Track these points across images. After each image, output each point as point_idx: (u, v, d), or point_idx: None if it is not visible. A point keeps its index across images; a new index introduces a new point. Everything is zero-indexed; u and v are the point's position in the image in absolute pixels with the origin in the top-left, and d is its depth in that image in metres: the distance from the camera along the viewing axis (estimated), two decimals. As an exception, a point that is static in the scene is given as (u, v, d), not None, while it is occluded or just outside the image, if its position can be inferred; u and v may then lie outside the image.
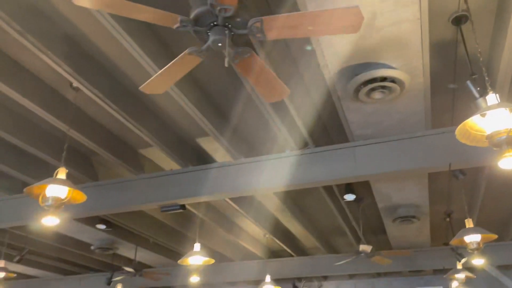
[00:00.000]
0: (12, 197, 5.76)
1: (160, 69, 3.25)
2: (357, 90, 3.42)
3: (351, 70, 3.32)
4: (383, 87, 3.35)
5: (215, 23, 2.12)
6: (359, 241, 7.70)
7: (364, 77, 3.27)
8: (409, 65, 3.23)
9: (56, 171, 3.59)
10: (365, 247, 6.84)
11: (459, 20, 3.16)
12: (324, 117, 4.63)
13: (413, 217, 6.75)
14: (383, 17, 2.83)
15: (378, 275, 10.15)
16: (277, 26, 2.09)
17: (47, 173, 5.45)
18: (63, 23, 3.33)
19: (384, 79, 3.28)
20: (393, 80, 3.30)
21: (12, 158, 5.02)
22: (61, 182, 3.45)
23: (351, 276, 10.36)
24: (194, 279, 6.72)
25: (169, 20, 2.07)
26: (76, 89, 3.84)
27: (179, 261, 5.88)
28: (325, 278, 10.55)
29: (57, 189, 3.44)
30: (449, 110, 4.34)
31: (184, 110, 4.15)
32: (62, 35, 3.39)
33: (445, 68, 3.74)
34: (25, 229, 7.14)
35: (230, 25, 2.13)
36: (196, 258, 5.77)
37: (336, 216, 7.11)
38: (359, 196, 6.63)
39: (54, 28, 3.33)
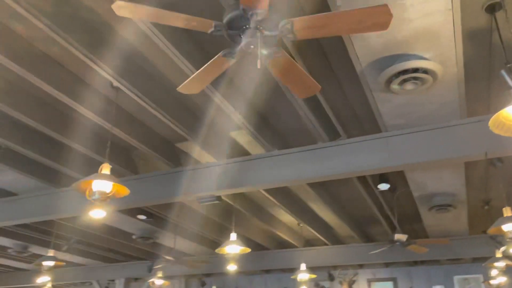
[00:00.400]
0: (60, 190, 6.12)
1: (196, 68, 3.39)
2: (389, 82, 3.44)
3: (383, 61, 3.34)
4: (415, 78, 3.35)
5: (247, 26, 2.22)
6: (394, 230, 7.68)
7: (395, 69, 3.28)
8: (442, 56, 3.22)
9: (100, 167, 3.82)
10: (400, 236, 6.83)
11: (492, 8, 3.11)
12: (356, 108, 4.65)
13: (450, 205, 6.67)
14: (413, 9, 2.84)
15: (415, 263, 10.07)
16: (306, 27, 2.17)
17: (91, 167, 5.74)
18: (106, 29, 3.51)
19: (416, 70, 3.28)
20: (425, 71, 3.30)
21: (60, 154, 5.33)
22: (106, 177, 3.66)
23: (387, 265, 10.32)
24: (231, 267, 6.92)
25: (204, 25, 2.19)
26: (117, 89, 4.05)
27: (216, 250, 6.09)
28: (361, 266, 10.56)
29: (102, 184, 3.66)
30: (485, 98, 4.27)
31: (217, 105, 4.28)
32: (105, 40, 3.58)
33: (479, 56, 3.69)
34: (71, 220, 7.57)
35: (261, 28, 2.22)
36: (232, 247, 5.96)
37: (370, 205, 7.11)
38: (393, 185, 6.61)
39: (98, 34, 3.52)
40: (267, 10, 2.10)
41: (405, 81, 3.41)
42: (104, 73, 3.69)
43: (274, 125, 5.15)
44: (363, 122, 4.87)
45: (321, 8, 2.96)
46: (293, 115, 4.67)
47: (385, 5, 2.05)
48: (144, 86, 4.09)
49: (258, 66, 2.15)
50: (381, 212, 7.59)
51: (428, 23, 2.95)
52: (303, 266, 8.20)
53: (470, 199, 6.85)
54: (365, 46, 3.17)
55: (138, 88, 4.00)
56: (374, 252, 8.18)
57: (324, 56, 3.77)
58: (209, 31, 2.24)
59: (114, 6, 2.04)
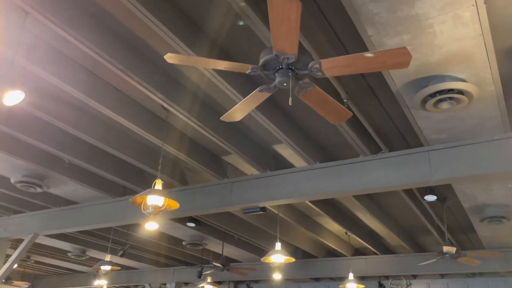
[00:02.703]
0: (116, 200, 6.59)
1: (239, 93, 3.65)
2: (424, 101, 3.48)
3: (417, 83, 3.39)
4: (451, 98, 3.37)
5: (280, 67, 2.42)
6: (445, 240, 7.49)
7: (430, 90, 3.33)
8: (477, 76, 3.23)
9: (154, 182, 4.15)
10: (449, 249, 6.67)
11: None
12: (396, 122, 4.68)
13: (503, 217, 6.44)
14: (443, 36, 2.90)
15: (473, 274, 9.71)
16: (334, 66, 2.33)
17: (144, 179, 6.16)
18: (156, 57, 3.84)
19: (451, 90, 3.31)
20: (460, 92, 3.32)
21: (116, 168, 5.78)
22: (158, 192, 3.98)
23: (443, 275, 10.03)
24: (277, 276, 7.08)
25: (242, 68, 2.43)
26: (167, 110, 4.37)
27: (262, 259, 6.28)
28: (415, 276, 10.33)
29: (155, 199, 3.98)
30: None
31: (259, 122, 4.48)
32: (155, 67, 3.91)
33: (519, 73, 3.63)
34: (126, 227, 8.07)
35: (293, 68, 2.42)
36: (277, 256, 6.13)
37: (419, 215, 7.02)
38: (442, 196, 6.49)
39: (148, 62, 3.86)
40: (297, 54, 2.29)
41: (440, 101, 3.44)
42: (155, 97, 4.01)
43: (315, 139, 5.27)
44: (405, 136, 4.88)
45: (355, 38, 3.08)
46: (333, 130, 4.77)
47: (404, 48, 2.17)
48: (191, 107, 4.39)
49: (290, 103, 2.35)
50: (430, 222, 7.45)
51: (460, 48, 2.99)
52: (351, 276, 8.19)
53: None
54: (398, 70, 3.24)
55: (186, 109, 4.30)
56: (422, 264, 8.01)
57: (362, 76, 3.86)
58: (247, 72, 2.48)
59: (166, 57, 2.33)
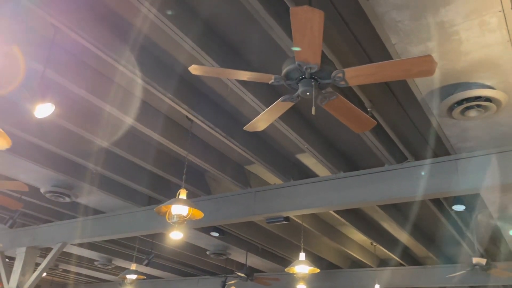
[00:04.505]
0: (141, 210, 6.68)
1: (263, 103, 3.67)
2: (451, 109, 3.42)
3: (443, 90, 3.33)
4: (478, 105, 3.30)
5: (303, 76, 2.43)
6: (475, 251, 7.27)
7: (457, 97, 3.27)
8: (505, 82, 3.16)
9: (178, 192, 4.20)
10: (479, 260, 6.49)
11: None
12: (422, 131, 4.60)
13: (535, 227, 6.22)
14: (469, 43, 2.85)
15: (504, 287, 9.36)
16: (357, 75, 2.32)
17: (169, 189, 6.23)
18: (179, 68, 3.91)
19: (478, 98, 3.24)
20: (487, 99, 3.25)
21: (142, 178, 5.88)
22: (183, 202, 4.03)
23: (473, 288, 9.71)
24: (301, 287, 7.01)
25: (265, 78, 2.45)
26: (191, 120, 4.43)
27: (286, 269, 6.24)
28: (443, 289, 10.05)
29: (180, 209, 4.02)
30: None
31: (281, 131, 4.49)
32: (179, 78, 3.99)
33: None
34: (151, 236, 8.16)
35: (316, 77, 2.43)
36: (301, 267, 6.08)
37: (447, 225, 6.84)
38: (471, 206, 6.32)
39: (172, 73, 3.93)
40: (320, 64, 2.29)
41: (467, 108, 3.37)
42: (179, 107, 4.08)
43: (339, 148, 5.23)
44: (430, 144, 4.79)
45: (378, 46, 3.06)
46: (357, 139, 4.73)
47: (429, 56, 2.15)
48: (215, 117, 4.43)
49: (313, 113, 2.35)
50: (459, 233, 7.25)
51: (487, 54, 2.94)
52: (377, 287, 8.04)
53: (559, 222, 6.32)
54: (424, 77, 3.19)
55: (210, 119, 4.35)
56: (451, 275, 7.79)
57: (386, 84, 3.83)
58: (270, 82, 2.50)
59: (190, 68, 2.37)
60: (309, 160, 5.57)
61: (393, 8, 2.70)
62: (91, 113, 4.60)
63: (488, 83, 3.23)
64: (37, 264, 7.68)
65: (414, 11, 2.70)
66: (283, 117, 4.24)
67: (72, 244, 8.38)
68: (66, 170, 5.63)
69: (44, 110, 3.35)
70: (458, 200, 5.93)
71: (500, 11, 2.62)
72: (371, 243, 8.34)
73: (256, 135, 5.07)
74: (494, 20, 2.71)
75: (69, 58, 3.73)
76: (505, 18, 2.68)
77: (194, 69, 2.36)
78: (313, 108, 2.38)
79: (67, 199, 6.47)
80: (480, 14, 2.67)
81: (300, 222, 6.79)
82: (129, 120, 4.30)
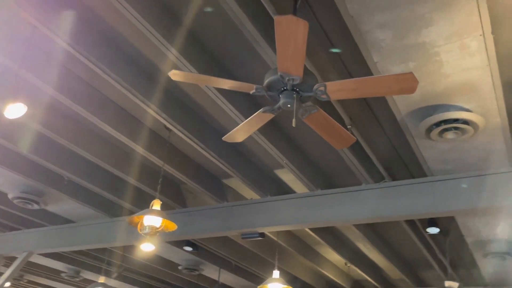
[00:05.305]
0: (113, 220, 6.48)
1: (242, 115, 3.62)
2: (429, 130, 3.45)
3: (423, 111, 3.36)
4: (456, 128, 3.34)
5: (284, 88, 2.40)
6: (447, 275, 7.30)
7: (435, 119, 3.30)
8: (483, 107, 3.20)
9: (152, 202, 4.08)
10: (451, 284, 6.50)
11: (536, 59, 3.08)
12: (400, 152, 4.62)
13: (506, 253, 6.31)
14: (450, 65, 2.89)
15: (475, 311, 9.42)
16: (339, 89, 2.31)
17: (143, 200, 6.07)
18: (161, 78, 3.84)
19: (456, 120, 3.28)
20: (465, 122, 3.28)
21: (116, 187, 5.72)
22: (156, 213, 3.91)
23: (446, 311, 9.72)
24: (273, 305, 6.86)
25: (247, 88, 2.42)
26: (169, 130, 4.35)
27: (258, 287, 6.11)
28: (416, 312, 10.03)
29: (153, 219, 3.90)
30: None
31: (261, 145, 4.44)
32: (159, 86, 3.91)
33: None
34: (122, 248, 7.92)
35: (298, 89, 2.40)
36: (275, 285, 5.96)
37: (421, 248, 6.86)
38: (445, 229, 6.37)
39: (153, 82, 3.86)
40: (302, 76, 2.27)
41: (445, 130, 3.40)
42: (159, 116, 3.99)
43: (317, 164, 5.21)
44: (408, 165, 4.81)
45: (360, 63, 3.07)
46: (336, 156, 4.72)
47: (411, 73, 2.16)
48: (194, 127, 4.36)
49: (293, 125, 2.32)
50: (432, 255, 7.28)
51: (466, 78, 2.98)
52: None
53: (530, 248, 6.43)
54: (404, 97, 3.22)
55: (189, 130, 4.28)
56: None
57: (366, 102, 3.84)
58: (251, 92, 2.46)
59: (170, 74, 2.31)
60: (287, 176, 5.53)
61: (377, 26, 2.71)
62: (65, 117, 4.46)
63: (467, 106, 3.27)
64: (0, 274, 7.34)
65: (397, 30, 2.73)
66: (263, 131, 4.20)
67: (39, 254, 8.06)
68: (36, 175, 5.42)
69: (15, 110, 3.22)
70: (432, 222, 5.96)
71: (480, 35, 2.67)
72: (345, 264, 8.30)
73: (235, 148, 5.01)
74: (474, 44, 2.75)
75: (46, 59, 3.62)
76: (485, 42, 2.72)
77: (174, 75, 2.30)
78: (294, 120, 2.35)
79: (36, 206, 6.24)
80: (461, 37, 2.71)
81: (275, 239, 6.70)
82: (104, 126, 4.18)
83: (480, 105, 3.24)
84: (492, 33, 2.65)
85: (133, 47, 3.58)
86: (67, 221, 6.98)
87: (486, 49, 2.76)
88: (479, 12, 2.53)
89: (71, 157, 5.17)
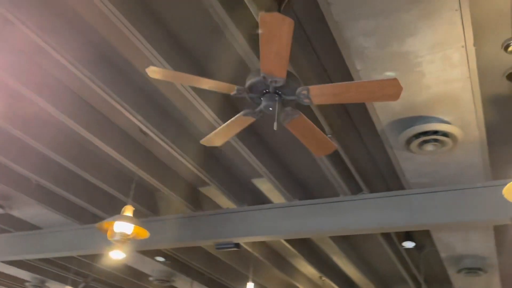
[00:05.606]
0: (82, 227, 6.23)
1: (222, 120, 3.52)
2: (409, 142, 3.44)
3: (403, 122, 3.35)
4: (435, 140, 3.34)
5: (267, 90, 2.33)
6: (420, 291, 7.32)
7: (415, 130, 3.29)
8: (462, 120, 3.21)
9: (123, 208, 3.92)
10: (424, 298, 6.51)
11: (513, 76, 3.12)
12: (379, 163, 4.61)
13: (480, 269, 6.35)
14: (431, 76, 2.88)
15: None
16: (322, 94, 2.26)
17: (115, 206, 5.86)
18: (139, 78, 3.72)
19: (435, 132, 3.28)
20: (445, 134, 3.29)
21: (86, 192, 5.49)
22: (128, 219, 3.75)
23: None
24: (247, 318, 6.72)
25: (227, 88, 2.34)
26: (145, 134, 4.21)
27: (232, 299, 5.97)
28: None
29: (124, 226, 3.74)
30: (512, 162, 4.16)
31: (240, 153, 4.35)
32: (136, 88, 3.78)
33: (503, 121, 3.65)
34: (90, 257, 7.63)
35: (280, 92, 2.34)
36: (248, 297, 5.84)
37: (395, 262, 6.86)
38: (420, 244, 6.39)
39: (130, 82, 3.73)
40: (285, 78, 2.21)
41: (425, 142, 3.40)
42: (133, 118, 3.86)
43: (295, 174, 5.15)
44: (386, 178, 4.81)
45: (342, 70, 3.04)
46: (315, 166, 4.67)
47: (395, 79, 2.13)
48: (171, 132, 4.24)
49: (275, 128, 2.25)
50: (407, 270, 7.29)
51: (447, 90, 2.98)
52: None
53: (502, 265, 6.50)
54: (385, 107, 3.20)
55: (165, 134, 4.15)
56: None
57: (346, 112, 3.82)
58: (231, 94, 2.38)
59: (148, 70, 2.21)
60: (264, 186, 5.44)
61: (361, 33, 2.68)
62: (34, 116, 4.26)
63: (446, 119, 3.27)
64: (-42, 282, 6.95)
65: (381, 38, 2.70)
66: (243, 139, 4.12)
67: (2, 262, 7.68)
68: (1, 177, 5.16)
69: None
70: (408, 236, 5.97)
71: (462, 46, 2.67)
72: (320, 277, 8.22)
73: (213, 156, 4.90)
74: (456, 55, 2.75)
75: (12, 52, 3.44)
76: (467, 54, 2.73)
77: (152, 72, 2.20)
78: (275, 124, 2.27)
79: (1, 211, 5.95)
80: (444, 48, 2.71)
81: (250, 250, 6.58)
82: (76, 127, 4.00)
83: (459, 118, 3.24)
84: (474, 45, 2.65)
85: (108, 44, 3.44)
86: (33, 227, 6.67)
87: (468, 61, 2.76)
88: (462, 23, 2.53)
89: (40, 159, 4.93)
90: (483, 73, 3.02)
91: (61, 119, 3.92)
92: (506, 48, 2.94)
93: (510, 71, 3.08)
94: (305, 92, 2.30)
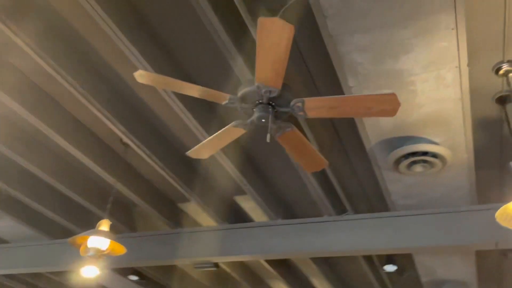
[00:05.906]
0: (53, 242, 5.93)
1: (207, 133, 3.40)
2: (398, 162, 3.39)
3: (392, 142, 3.30)
4: (424, 161, 3.30)
5: (260, 101, 2.24)
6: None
7: (404, 151, 3.25)
8: (452, 141, 3.19)
9: (99, 222, 3.70)
10: (404, 325, 6.40)
11: (503, 100, 3.12)
12: (365, 184, 4.55)
13: (460, 295, 6.31)
14: (424, 96, 2.85)
15: None
16: (317, 107, 2.20)
17: (89, 221, 5.60)
18: (122, 86, 3.57)
19: (425, 153, 3.24)
20: (434, 155, 3.25)
21: (57, 204, 5.23)
22: (103, 234, 3.54)
23: None
24: None
25: (219, 97, 2.23)
26: (126, 145, 4.04)
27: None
28: None
29: (99, 241, 3.53)
30: (498, 187, 4.16)
31: (224, 168, 4.23)
32: (119, 96, 3.63)
33: (491, 145, 3.65)
34: (60, 274, 7.27)
35: (274, 104, 2.26)
36: (225, 320, 5.62)
37: (376, 287, 6.76)
38: (401, 267, 6.32)
39: (112, 89, 3.58)
40: (280, 89, 2.13)
41: (414, 163, 3.36)
42: (115, 128, 3.70)
43: (279, 192, 5.04)
44: (371, 199, 4.75)
45: (335, 86, 2.98)
46: (300, 185, 4.58)
47: (393, 94, 2.07)
48: (152, 143, 4.08)
49: (268, 140, 2.15)
50: (386, 295, 7.19)
51: (438, 110, 2.96)
52: None
53: (482, 291, 6.48)
54: (375, 125, 3.15)
55: (147, 145, 3.99)
56: None
57: (335, 130, 3.76)
58: (223, 103, 2.28)
59: (136, 74, 2.09)
60: (247, 204, 5.30)
61: (356, 49, 2.64)
62: (10, 124, 4.05)
63: (436, 140, 3.24)
64: None
65: (376, 55, 2.66)
66: (228, 154, 4.00)
67: (-37, 277, 7.24)
68: (-31, 187, 4.88)
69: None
70: (390, 260, 5.89)
71: (456, 66, 2.65)
72: (300, 300, 8.03)
73: (196, 171, 4.75)
74: (450, 75, 2.73)
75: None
76: (460, 75, 2.71)
77: (140, 76, 2.08)
78: (268, 136, 2.17)
79: (-34, 222, 5.61)
80: (438, 67, 2.68)
81: (227, 270, 6.39)
82: (51, 134, 3.80)
83: (449, 139, 3.21)
84: (468, 65, 2.64)
85: (91, 48, 3.31)
86: (0, 241, 6.32)
87: (461, 82, 2.75)
88: (458, 43, 2.51)
89: (8, 167, 4.67)
90: (473, 95, 3.01)
91: (36, 125, 3.72)
92: (497, 71, 2.94)
93: (500, 94, 3.08)
94: (299, 104, 2.21)
